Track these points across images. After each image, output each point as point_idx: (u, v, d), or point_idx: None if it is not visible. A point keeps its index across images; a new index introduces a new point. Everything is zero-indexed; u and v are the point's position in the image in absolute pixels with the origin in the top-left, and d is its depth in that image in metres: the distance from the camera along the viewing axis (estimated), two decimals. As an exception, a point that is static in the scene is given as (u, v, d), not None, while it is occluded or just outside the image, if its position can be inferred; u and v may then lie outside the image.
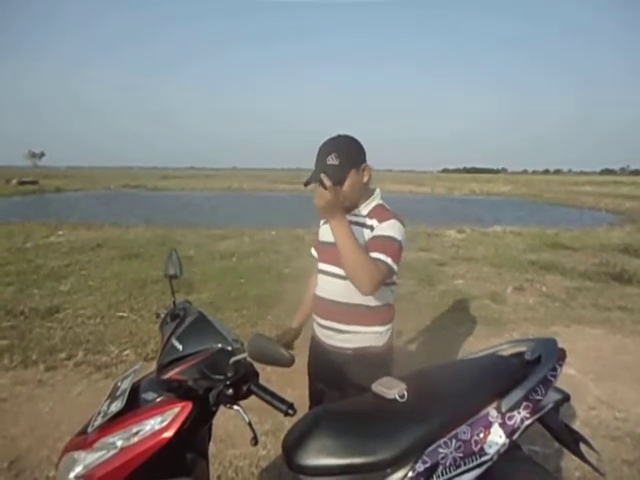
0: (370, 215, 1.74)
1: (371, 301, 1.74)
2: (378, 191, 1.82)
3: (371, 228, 1.71)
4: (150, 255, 8.10)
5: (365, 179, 1.74)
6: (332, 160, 1.65)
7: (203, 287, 6.04)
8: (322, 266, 1.85)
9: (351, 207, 1.76)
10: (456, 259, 8.22)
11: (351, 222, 1.73)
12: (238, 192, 39.33)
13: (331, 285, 1.77)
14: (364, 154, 1.74)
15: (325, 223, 1.90)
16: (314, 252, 2.02)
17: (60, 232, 10.76)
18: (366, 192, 1.78)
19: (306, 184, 1.69)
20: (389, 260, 1.60)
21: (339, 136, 1.72)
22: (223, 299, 5.52)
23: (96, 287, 6.00)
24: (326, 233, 1.84)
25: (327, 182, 1.52)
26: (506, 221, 14.24)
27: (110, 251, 8.46)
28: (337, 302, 1.77)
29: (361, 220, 1.74)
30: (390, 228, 1.67)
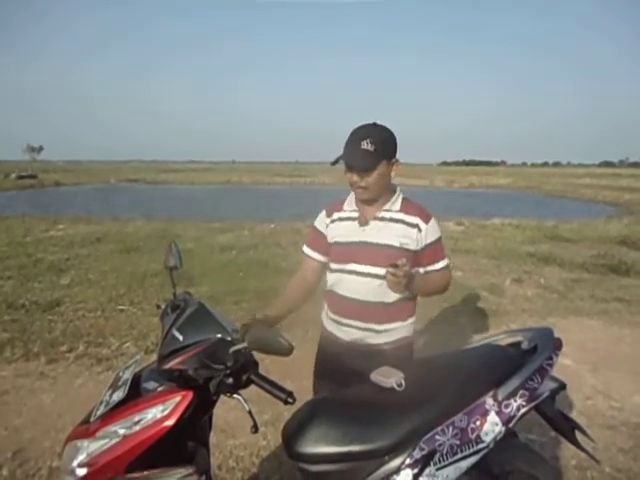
0: (406, 211, 1.74)
1: (407, 293, 1.75)
2: (399, 187, 1.82)
3: (417, 227, 1.71)
4: (149, 249, 8.11)
5: (393, 174, 1.72)
6: (366, 145, 1.60)
7: (202, 280, 6.05)
8: (353, 267, 1.74)
9: (372, 199, 1.72)
10: (455, 251, 8.23)
11: (386, 219, 1.73)
12: (237, 185, 39.26)
13: (370, 286, 1.71)
14: (397, 148, 1.70)
15: (334, 222, 1.82)
16: (309, 251, 1.90)
17: (60, 226, 10.76)
18: (390, 186, 1.77)
19: (334, 163, 1.68)
20: (447, 260, 1.80)
21: (376, 124, 1.68)
22: (222, 292, 5.53)
23: (96, 281, 6.02)
24: (347, 232, 1.77)
25: (400, 263, 1.51)
26: (505, 213, 14.25)
27: (110, 245, 8.47)
28: (377, 303, 1.73)
29: (398, 216, 1.73)
30: (435, 229, 1.75)
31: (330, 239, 1.82)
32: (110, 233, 9.76)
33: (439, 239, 1.77)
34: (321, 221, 1.88)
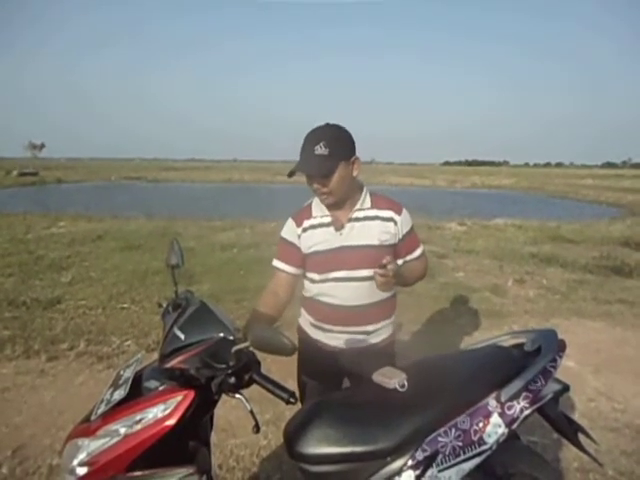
0: (378, 206, 1.71)
1: (393, 290, 1.75)
2: (363, 183, 1.77)
3: (392, 221, 1.69)
4: (151, 247, 8.10)
5: (355, 173, 1.64)
6: (320, 150, 1.53)
7: (203, 278, 6.05)
8: (339, 274, 1.68)
9: (340, 202, 1.66)
10: (457, 252, 8.22)
11: (360, 218, 1.69)
12: (239, 184, 39.31)
13: (359, 290, 1.69)
14: (354, 146, 1.63)
15: (306, 231, 1.73)
16: (280, 264, 1.78)
17: (61, 223, 10.77)
18: (355, 185, 1.70)
19: (290, 175, 1.61)
20: (422, 247, 1.83)
21: (328, 125, 1.61)
22: (223, 290, 5.53)
23: (97, 278, 6.02)
24: (324, 239, 1.70)
25: (386, 262, 1.49)
26: (507, 214, 14.24)
27: (111, 243, 8.47)
28: (368, 305, 1.71)
29: (371, 213, 1.70)
30: (408, 218, 1.76)
31: (306, 249, 1.72)
32: (111, 231, 9.77)
33: (412, 227, 1.78)
34: (291, 232, 1.76)
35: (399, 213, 1.71)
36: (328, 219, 1.71)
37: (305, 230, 1.73)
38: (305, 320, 1.87)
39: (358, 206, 1.70)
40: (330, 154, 1.54)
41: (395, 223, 1.69)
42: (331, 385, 1.81)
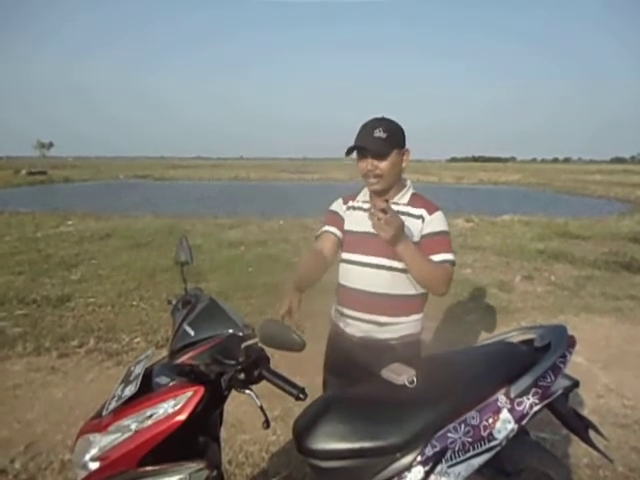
0: (413, 204, 1.75)
1: (414, 290, 1.74)
2: (409, 181, 1.84)
3: (421, 218, 1.71)
4: (159, 244, 8.15)
5: (404, 164, 1.75)
6: (379, 133, 1.65)
7: (211, 276, 6.08)
8: (359, 257, 1.76)
9: (384, 191, 1.74)
10: (464, 248, 8.18)
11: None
12: (245, 182, 39.39)
13: (374, 277, 1.72)
14: (405, 139, 1.75)
15: (349, 209, 1.86)
16: (329, 227, 1.86)
17: (69, 222, 10.85)
18: (401, 180, 1.80)
19: (349, 152, 1.70)
20: (451, 256, 1.69)
21: (384, 117, 1.73)
22: (231, 288, 5.55)
23: (106, 276, 6.06)
24: (357, 221, 1.79)
25: (387, 208, 1.48)
26: (514, 210, 14.15)
27: (119, 241, 8.52)
28: (381, 294, 1.72)
29: (404, 209, 1.73)
30: (440, 221, 1.73)
31: (345, 226, 1.86)
32: (119, 229, 9.82)
33: (443, 232, 1.71)
34: (339, 206, 1.92)
35: (430, 213, 1.72)
36: (367, 205, 1.79)
37: (349, 209, 1.88)
38: (334, 308, 1.93)
39: (395, 200, 1.76)
40: (387, 138, 1.65)
41: (423, 220, 1.71)
42: (355, 379, 1.72)
